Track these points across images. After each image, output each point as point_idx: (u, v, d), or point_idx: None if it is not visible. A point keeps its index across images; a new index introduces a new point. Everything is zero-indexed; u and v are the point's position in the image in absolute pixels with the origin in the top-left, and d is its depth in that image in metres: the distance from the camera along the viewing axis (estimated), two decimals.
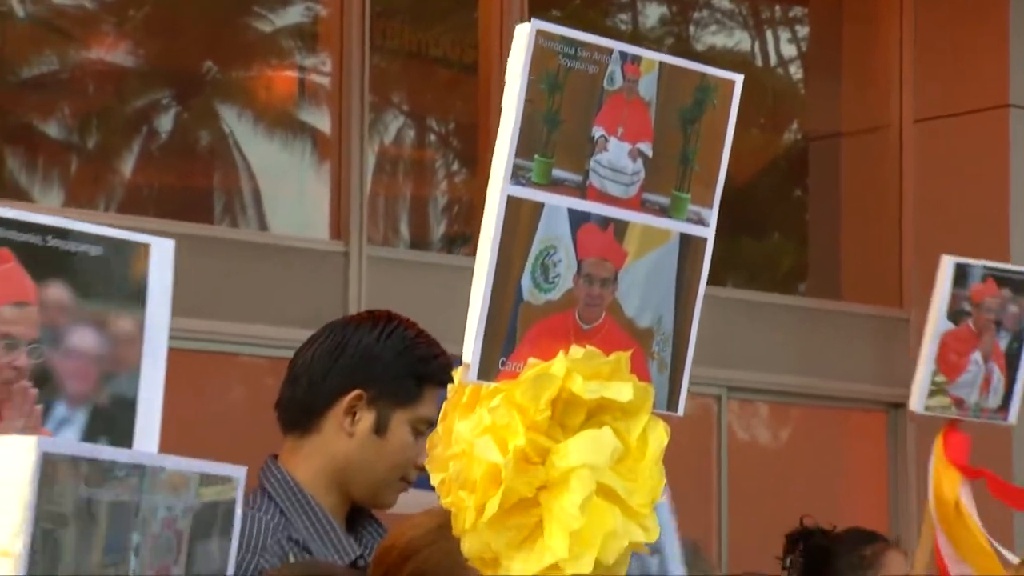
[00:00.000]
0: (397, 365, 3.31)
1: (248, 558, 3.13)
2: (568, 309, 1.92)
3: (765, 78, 9.04)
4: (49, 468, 1.20)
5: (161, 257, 1.78)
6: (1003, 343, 4.16)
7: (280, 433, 3.38)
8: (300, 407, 3.33)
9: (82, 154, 8.08)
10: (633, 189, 1.94)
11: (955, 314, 4.15)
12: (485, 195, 6.27)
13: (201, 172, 8.28)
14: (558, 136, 1.86)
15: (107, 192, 7.89)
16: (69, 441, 1.25)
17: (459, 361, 1.92)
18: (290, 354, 3.41)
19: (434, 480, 1.91)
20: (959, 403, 4.15)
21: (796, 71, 9.53)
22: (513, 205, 1.85)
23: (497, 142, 1.85)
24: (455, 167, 8.96)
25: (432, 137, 8.94)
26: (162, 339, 1.77)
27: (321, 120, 8.11)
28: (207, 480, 1.39)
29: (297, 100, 8.39)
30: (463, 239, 8.45)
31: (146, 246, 1.76)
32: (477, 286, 1.85)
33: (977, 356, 4.12)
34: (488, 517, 1.86)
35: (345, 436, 3.28)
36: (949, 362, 4.09)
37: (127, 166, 8.13)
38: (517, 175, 1.84)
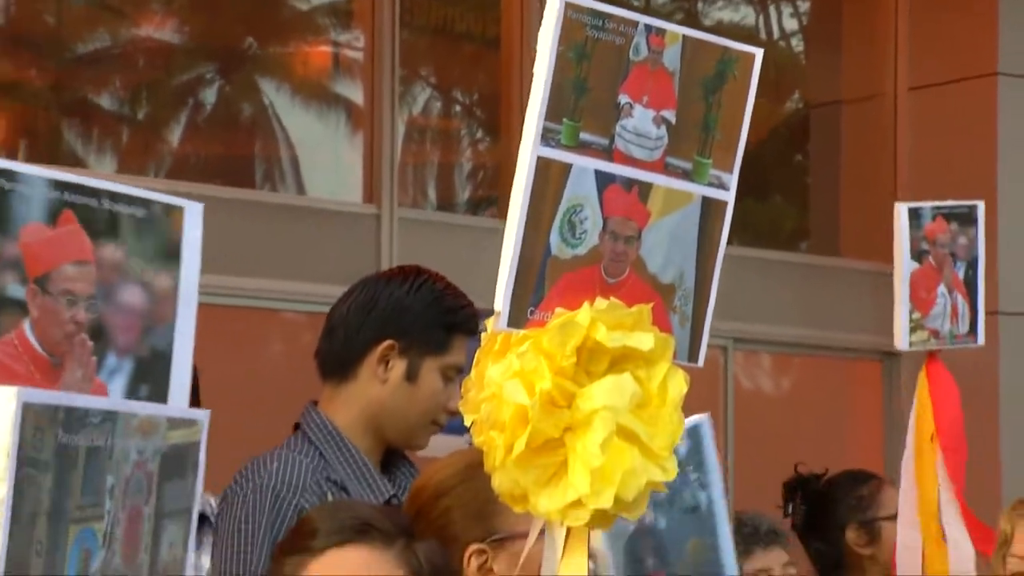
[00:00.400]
0: (427, 316, 3.32)
1: (289, 498, 3.13)
2: (594, 264, 1.91)
3: (768, 50, 8.85)
4: (30, 416, 1.20)
5: (193, 219, 1.75)
6: (960, 272, 4.24)
7: (318, 382, 3.39)
8: (337, 357, 3.34)
9: (133, 124, 8.10)
10: (657, 153, 1.93)
11: (917, 254, 4.20)
12: (507, 160, 6.33)
13: (243, 141, 8.29)
14: (585, 102, 1.85)
15: (156, 160, 7.90)
16: (46, 391, 1.24)
17: (487, 313, 1.93)
18: (327, 309, 3.42)
19: (467, 421, 1.91)
20: (935, 334, 4.20)
21: (797, 44, 9.53)
22: (543, 165, 1.83)
23: (528, 106, 1.82)
24: (479, 135, 8.94)
25: (457, 107, 8.93)
26: (193, 295, 1.74)
27: (354, 92, 8.09)
28: (174, 424, 1.39)
29: (332, 73, 8.38)
30: (487, 201, 8.45)
31: (181, 209, 1.74)
32: (508, 240, 1.85)
33: (942, 288, 4.18)
34: (516, 456, 1.85)
35: (379, 383, 3.29)
36: (920, 298, 4.13)
37: (174, 136, 8.16)
38: (547, 137, 1.82)
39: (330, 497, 3.16)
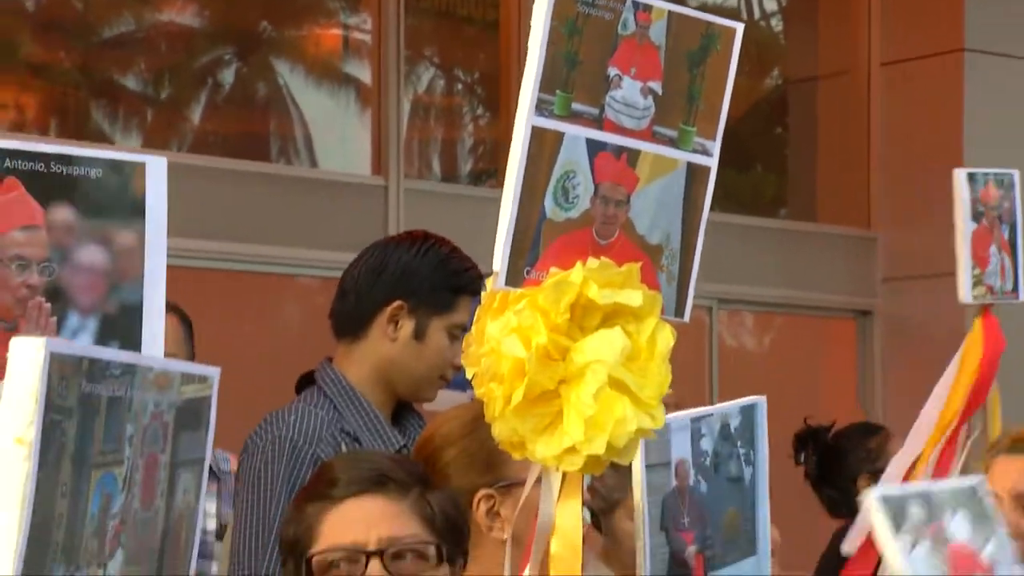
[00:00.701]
0: (433, 278, 3.32)
1: (305, 448, 3.13)
2: (586, 226, 1.90)
3: (749, 29, 8.94)
4: (55, 365, 1.18)
5: (156, 174, 1.73)
6: (1005, 234, 4.23)
7: (332, 341, 3.38)
8: (349, 317, 3.34)
9: (156, 104, 8.09)
10: (644, 122, 1.92)
11: (975, 216, 4.16)
12: (506, 135, 6.29)
13: (259, 118, 8.27)
14: (577, 74, 1.83)
15: (179, 136, 7.89)
16: (73, 343, 1.24)
17: (488, 276, 1.91)
18: (339, 275, 3.43)
19: (469, 374, 1.90)
20: (991, 289, 4.17)
21: (777, 23, 9.47)
22: (537, 134, 1.82)
23: (523, 79, 1.81)
24: (479, 111, 8.92)
25: (459, 86, 8.91)
26: (161, 248, 1.73)
27: (363, 72, 8.06)
28: (187, 379, 1.38)
29: (342, 55, 8.36)
30: (487, 173, 8.44)
31: (142, 165, 1.71)
32: (505, 204, 1.84)
33: (994, 248, 4.17)
34: (514, 406, 1.85)
35: (389, 341, 3.29)
36: (979, 256, 4.10)
37: (195, 114, 8.14)
38: (541, 108, 1.81)
39: (344, 448, 3.17)
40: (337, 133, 8.19)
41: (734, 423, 2.56)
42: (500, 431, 1.89)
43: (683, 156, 1.96)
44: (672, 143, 1.95)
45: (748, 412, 2.58)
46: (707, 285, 7.78)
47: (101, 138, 7.36)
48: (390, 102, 7.61)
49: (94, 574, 1.24)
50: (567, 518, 1.94)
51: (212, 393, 1.42)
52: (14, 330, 1.61)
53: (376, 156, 7.67)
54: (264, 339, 6.99)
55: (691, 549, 2.46)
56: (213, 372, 1.45)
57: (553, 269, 1.86)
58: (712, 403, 7.69)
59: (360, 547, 2.18)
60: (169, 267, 6.40)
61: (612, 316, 1.87)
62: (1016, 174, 4.28)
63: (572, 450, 1.85)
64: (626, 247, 1.93)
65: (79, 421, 1.21)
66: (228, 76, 8.35)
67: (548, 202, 1.85)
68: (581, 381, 1.85)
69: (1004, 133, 8.16)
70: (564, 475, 1.92)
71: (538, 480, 2.36)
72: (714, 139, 1.99)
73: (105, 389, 1.24)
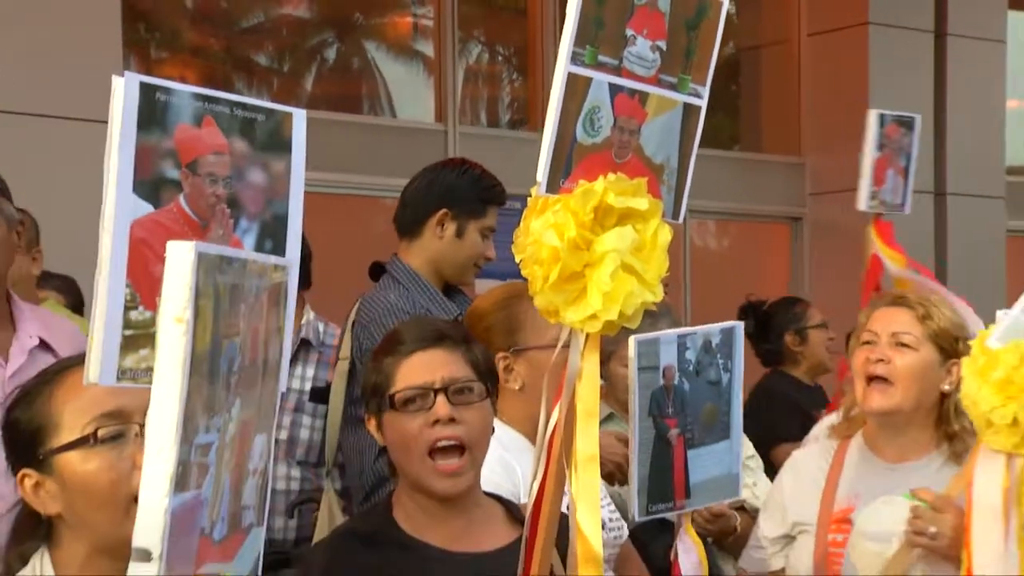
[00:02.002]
0: (470, 192, 3.31)
1: (385, 320, 3.11)
2: (607, 149, 1.85)
3: None
4: (201, 262, 1.16)
5: (299, 122, 1.68)
6: (902, 163, 4.19)
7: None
8: (408, 222, 3.33)
9: (280, 75, 8.08)
10: (652, 71, 1.86)
11: (879, 146, 4.15)
12: (534, 94, 6.17)
13: (353, 83, 8.22)
14: (603, 34, 1.78)
15: (295, 98, 7.84)
16: (210, 244, 1.21)
17: (518, 197, 1.95)
18: None
19: (517, 259, 1.86)
20: (883, 203, 4.16)
21: (731, 4, 9.34)
22: (572, 79, 1.77)
23: (562, 36, 1.76)
24: (513, 75, 8.85)
25: (499, 56, 8.82)
26: (301, 175, 1.68)
27: (427, 48, 8.00)
28: (276, 268, 1.34)
29: (412, 35, 8.30)
30: (520, 121, 8.39)
31: (291, 114, 1.68)
32: (547, 132, 1.78)
33: (891, 172, 4.15)
34: (551, 283, 1.82)
35: (437, 239, 3.28)
36: (878, 177, 4.10)
37: (307, 81, 8.11)
38: (575, 59, 1.76)
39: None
40: (410, 93, 8.12)
41: (715, 340, 2.46)
42: (539, 302, 1.85)
43: (681, 98, 1.91)
44: (673, 87, 1.89)
45: (728, 332, 2.47)
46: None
47: None
48: (447, 69, 7.53)
49: (225, 418, 1.22)
50: (590, 366, 1.89)
51: (290, 278, 1.38)
52: (207, 227, 1.60)
53: (438, 109, 7.58)
54: (359, 243, 6.91)
55: (674, 432, 2.40)
56: (289, 262, 1.43)
57: (581, 181, 1.81)
58: (685, 290, 7.70)
59: (429, 385, 2.14)
60: None
61: (625, 217, 1.83)
62: (918, 118, 4.21)
63: (593, 317, 1.82)
64: (636, 165, 1.88)
65: (214, 303, 1.18)
66: (331, 53, 8.30)
67: (579, 130, 1.80)
68: (601, 265, 1.81)
69: (900, 89, 8.04)
70: (587, 336, 1.88)
71: (547, 346, 2.35)
72: (704, 85, 1.94)
73: (229, 278, 1.21)
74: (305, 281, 3.55)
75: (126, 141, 1.50)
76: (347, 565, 2.04)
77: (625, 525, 2.68)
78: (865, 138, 4.13)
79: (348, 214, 7.12)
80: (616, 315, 1.82)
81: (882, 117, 4.13)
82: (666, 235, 1.86)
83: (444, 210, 3.24)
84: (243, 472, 1.26)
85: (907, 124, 4.18)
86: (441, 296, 3.22)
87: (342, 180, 6.78)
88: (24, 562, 1.62)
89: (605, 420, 3.12)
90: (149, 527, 1.11)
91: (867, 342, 2.57)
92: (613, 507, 2.71)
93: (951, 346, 2.52)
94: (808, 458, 2.67)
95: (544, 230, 1.80)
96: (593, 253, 1.81)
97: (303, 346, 3.58)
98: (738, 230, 8.62)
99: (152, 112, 1.53)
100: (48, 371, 1.72)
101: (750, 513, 3.07)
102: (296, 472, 3.55)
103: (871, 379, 2.54)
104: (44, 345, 2.65)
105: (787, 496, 2.67)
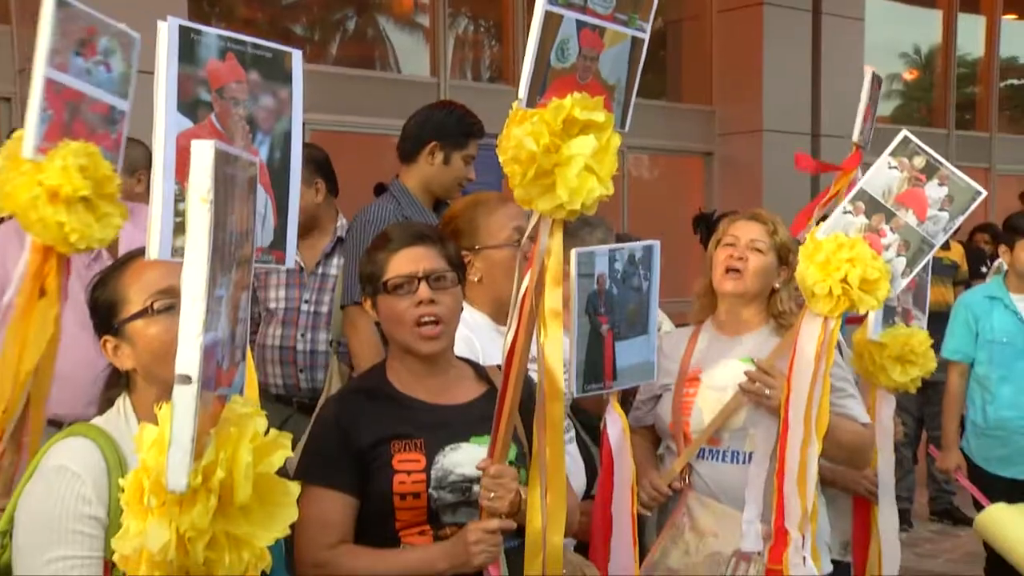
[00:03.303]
0: (456, 128, 3.19)
1: (376, 222, 3.03)
2: (573, 73, 1.80)
3: None
4: (218, 155, 1.13)
5: (296, 59, 1.67)
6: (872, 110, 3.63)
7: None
8: (406, 151, 3.24)
9: (312, 42, 7.83)
10: (609, 10, 1.81)
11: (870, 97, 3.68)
12: (507, 58, 5.93)
13: (368, 47, 7.99)
14: None
15: (324, 59, 7.63)
16: (222, 144, 1.18)
17: (492, 135, 1.82)
18: None
19: (501, 159, 1.79)
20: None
21: None
22: (548, 16, 1.72)
23: None
24: (492, 42, 8.60)
25: (481, 27, 8.58)
26: (300, 100, 1.67)
27: (425, 19, 7.78)
28: (251, 163, 1.27)
29: (413, 10, 8.07)
30: (497, 77, 8.16)
31: (290, 53, 1.66)
32: (528, 59, 1.72)
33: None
34: (527, 179, 1.76)
35: (429, 165, 3.19)
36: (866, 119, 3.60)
37: (333, 47, 7.85)
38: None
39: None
40: (411, 54, 7.92)
41: (638, 255, 2.42)
42: (518, 194, 1.79)
43: (630, 32, 1.85)
44: (624, 24, 1.84)
45: (648, 249, 2.43)
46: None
47: None
48: (440, 36, 7.33)
49: (229, 277, 1.20)
50: (556, 245, 1.85)
51: (255, 171, 1.31)
52: (232, 140, 1.58)
53: (432, 66, 7.38)
54: (370, 173, 6.76)
55: (604, 327, 2.38)
56: (254, 159, 1.36)
57: (554, 98, 1.75)
58: (623, 207, 7.63)
59: (414, 274, 2.04)
60: (321, 132, 6.17)
61: (586, 127, 1.77)
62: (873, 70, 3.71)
63: (560, 207, 1.78)
64: (595, 86, 1.83)
65: (225, 188, 1.16)
66: (351, 24, 8.08)
67: (552, 57, 1.75)
68: (568, 166, 1.76)
69: (786, 54, 7.92)
70: (552, 221, 1.83)
71: (499, 245, 2.32)
72: (647, 22, 1.88)
73: (230, 170, 1.18)
74: (333, 189, 3.46)
75: (170, 72, 1.50)
76: (353, 414, 2.00)
77: (572, 427, 2.57)
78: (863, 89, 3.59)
79: (363, 149, 6.96)
80: (579, 205, 1.77)
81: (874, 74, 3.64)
82: (617, 141, 1.80)
83: (434, 142, 3.15)
84: (236, 319, 1.25)
85: (878, 81, 3.75)
86: (425, 209, 3.15)
87: (359, 122, 6.63)
88: (111, 404, 1.64)
89: None
90: (188, 358, 1.11)
91: (729, 244, 2.58)
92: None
93: (786, 255, 2.57)
94: (671, 339, 2.68)
95: (523, 136, 1.74)
96: (561, 155, 1.75)
97: (338, 243, 3.50)
98: (663, 163, 8.49)
99: (188, 49, 1.52)
100: (116, 262, 1.70)
101: None
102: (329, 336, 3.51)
103: (728, 270, 2.54)
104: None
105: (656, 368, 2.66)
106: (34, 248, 1.84)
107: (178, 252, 1.49)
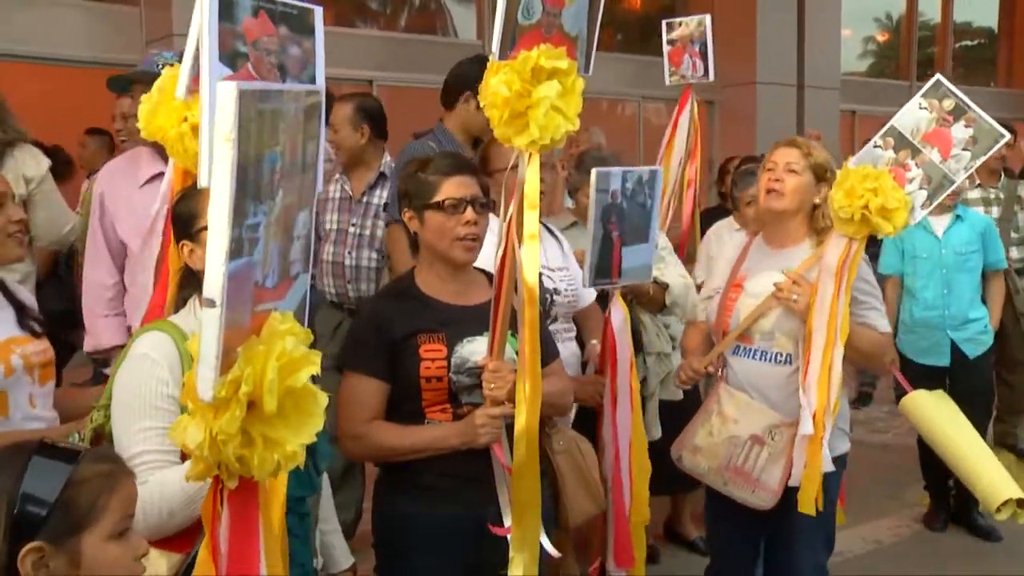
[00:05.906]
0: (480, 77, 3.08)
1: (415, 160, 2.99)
2: (539, 28, 1.73)
3: None
4: (243, 96, 1.04)
5: (318, 13, 1.58)
6: (697, 48, 3.73)
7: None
8: (447, 98, 3.15)
9: (368, 11, 7.53)
10: None
11: (671, 42, 3.76)
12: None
13: (425, 15, 7.71)
14: None
15: (381, 27, 7.36)
16: (260, 83, 1.11)
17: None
18: None
19: (482, 104, 1.75)
20: (683, 77, 3.82)
21: None
22: None
23: None
24: None
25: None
26: (321, 50, 1.59)
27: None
28: (309, 93, 1.20)
29: None
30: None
31: (312, 9, 1.57)
32: (498, 18, 1.67)
33: (686, 56, 3.76)
34: (504, 119, 1.71)
35: (465, 111, 3.09)
36: (674, 61, 3.78)
37: (390, 14, 7.44)
38: None
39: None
40: (460, 20, 7.65)
41: (644, 176, 2.45)
42: (498, 133, 1.76)
43: None
44: None
45: (653, 172, 2.46)
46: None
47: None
48: (485, 6, 7.07)
49: (270, 205, 1.13)
50: (531, 174, 1.80)
51: (321, 99, 1.25)
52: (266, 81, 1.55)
53: (478, 30, 7.12)
54: (414, 122, 6.63)
55: (615, 233, 2.43)
56: (319, 87, 1.31)
57: (522, 50, 1.70)
58: (640, 146, 7.28)
59: (464, 198, 1.96)
60: (387, 86, 5.91)
61: (552, 74, 1.71)
62: (707, 17, 3.70)
63: (533, 142, 1.73)
64: (560, 38, 1.76)
65: (256, 125, 1.08)
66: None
67: (520, 15, 1.68)
68: (538, 107, 1.70)
69: (775, 16, 7.52)
70: (528, 155, 1.78)
71: (504, 168, 2.26)
72: None
73: (269, 104, 1.11)
74: (381, 134, 3.45)
75: (212, 28, 1.46)
76: (387, 312, 2.00)
77: (580, 292, 2.64)
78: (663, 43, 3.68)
79: (413, 103, 6.81)
80: (548, 140, 1.72)
81: (669, 24, 3.69)
82: (580, 86, 1.75)
83: (468, 91, 3.08)
84: (289, 238, 1.18)
85: (699, 23, 3.68)
86: (463, 147, 3.10)
87: (414, 79, 6.50)
88: (184, 304, 1.65)
89: (570, 227, 3.03)
90: (213, 284, 1.06)
91: (769, 168, 2.51)
92: (571, 279, 2.65)
93: (822, 174, 2.47)
94: (729, 248, 2.66)
95: (498, 85, 1.70)
96: (531, 99, 1.70)
97: (381, 177, 3.48)
98: (672, 111, 8.18)
99: (227, 7, 1.47)
100: (194, 183, 1.72)
101: (660, 285, 3.03)
102: (375, 255, 3.52)
103: (769, 191, 2.49)
104: None
105: (712, 273, 2.68)
106: (176, 170, 1.87)
107: None
